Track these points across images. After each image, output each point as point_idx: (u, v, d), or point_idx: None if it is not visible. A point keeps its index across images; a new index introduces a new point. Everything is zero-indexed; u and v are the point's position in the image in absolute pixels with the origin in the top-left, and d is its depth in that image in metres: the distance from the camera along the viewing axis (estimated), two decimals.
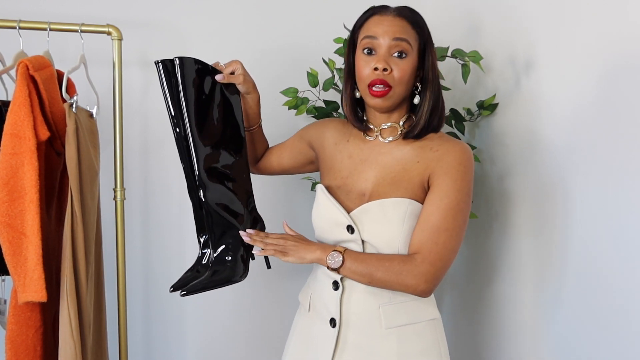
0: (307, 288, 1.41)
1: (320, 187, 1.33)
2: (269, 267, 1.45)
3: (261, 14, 2.02)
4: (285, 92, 1.90)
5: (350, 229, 1.25)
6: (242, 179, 1.39)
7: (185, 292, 1.27)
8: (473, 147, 1.86)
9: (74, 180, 1.36)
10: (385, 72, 1.20)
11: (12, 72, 1.50)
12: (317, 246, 1.26)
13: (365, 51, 1.23)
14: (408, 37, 1.21)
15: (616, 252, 1.42)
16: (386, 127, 1.30)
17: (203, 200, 1.31)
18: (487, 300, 1.90)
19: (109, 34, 1.57)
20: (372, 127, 1.32)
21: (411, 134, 1.27)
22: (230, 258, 1.33)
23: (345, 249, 1.23)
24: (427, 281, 1.19)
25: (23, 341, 1.35)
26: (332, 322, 1.27)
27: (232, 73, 1.33)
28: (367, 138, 1.33)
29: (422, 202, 1.24)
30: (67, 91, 1.44)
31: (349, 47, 1.29)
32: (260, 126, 1.47)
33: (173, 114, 1.29)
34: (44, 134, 1.33)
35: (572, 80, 1.54)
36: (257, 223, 1.42)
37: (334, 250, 1.23)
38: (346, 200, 1.29)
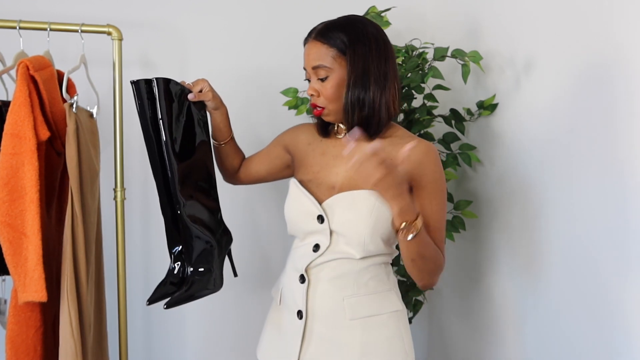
0: (278, 283, 1.47)
1: (292, 181, 1.40)
2: (235, 275, 1.52)
3: (262, 13, 2.02)
4: (285, 92, 1.90)
5: (320, 218, 1.31)
6: (212, 193, 1.44)
7: (168, 305, 1.32)
8: (473, 147, 1.86)
9: (74, 180, 1.36)
10: (315, 96, 1.31)
11: (13, 72, 1.50)
12: (404, 201, 1.17)
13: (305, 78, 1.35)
14: (322, 62, 1.28)
15: (612, 254, 1.42)
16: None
17: (179, 214, 1.36)
18: (484, 297, 1.90)
19: (109, 34, 1.57)
20: (342, 126, 1.38)
21: (371, 130, 1.30)
22: (204, 270, 1.38)
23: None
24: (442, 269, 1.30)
25: (23, 341, 1.35)
26: (299, 314, 1.33)
27: (200, 91, 1.40)
28: (338, 137, 1.40)
29: None
30: (67, 91, 1.44)
31: None
32: (233, 138, 1.52)
33: (150, 133, 1.35)
34: (44, 134, 1.33)
35: (571, 80, 1.54)
36: (226, 234, 1.47)
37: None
38: (317, 192, 1.35)
